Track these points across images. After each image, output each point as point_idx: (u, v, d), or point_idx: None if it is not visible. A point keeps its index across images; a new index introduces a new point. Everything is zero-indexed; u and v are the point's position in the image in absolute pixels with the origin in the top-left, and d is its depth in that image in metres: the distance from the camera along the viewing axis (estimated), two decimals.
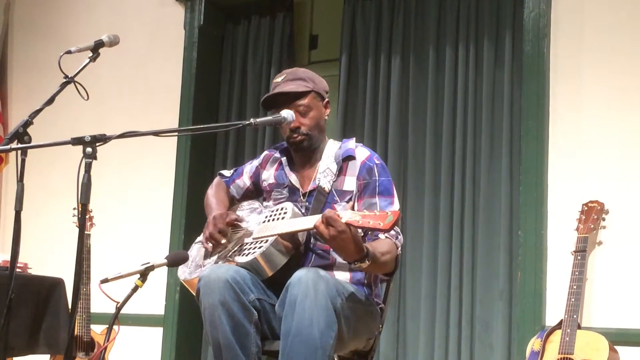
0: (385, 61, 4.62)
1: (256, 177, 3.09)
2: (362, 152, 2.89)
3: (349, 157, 2.88)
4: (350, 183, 2.84)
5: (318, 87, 2.93)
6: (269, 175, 3.03)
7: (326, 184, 2.84)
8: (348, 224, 2.45)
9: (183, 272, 2.94)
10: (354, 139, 2.99)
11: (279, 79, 2.92)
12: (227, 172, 3.21)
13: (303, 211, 2.82)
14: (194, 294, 2.73)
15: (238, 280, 2.61)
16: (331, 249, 2.74)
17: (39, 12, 5.89)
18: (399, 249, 2.79)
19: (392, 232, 2.75)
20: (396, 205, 2.81)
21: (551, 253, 3.81)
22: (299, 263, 2.78)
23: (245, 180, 3.12)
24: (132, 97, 5.34)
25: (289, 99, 2.85)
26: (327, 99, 2.97)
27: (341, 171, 2.87)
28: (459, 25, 4.44)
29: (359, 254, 2.52)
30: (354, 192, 2.82)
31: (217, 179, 3.21)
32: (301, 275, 2.53)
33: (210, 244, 2.87)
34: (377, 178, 2.82)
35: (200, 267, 2.87)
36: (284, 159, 3.00)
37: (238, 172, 3.16)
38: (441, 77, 4.46)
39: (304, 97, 2.87)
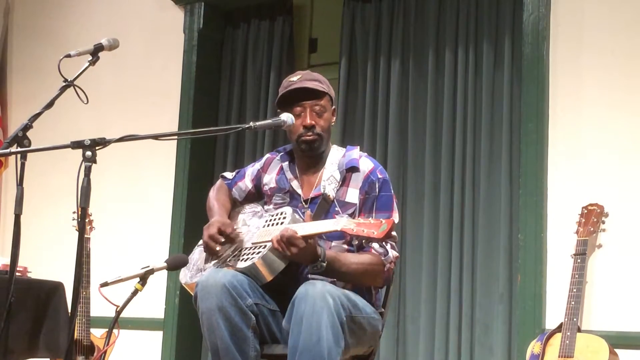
0: (384, 64, 4.62)
1: (257, 180, 3.07)
2: (366, 164, 2.88)
3: (352, 168, 2.87)
4: (353, 195, 2.84)
5: (331, 92, 2.94)
6: (270, 179, 3.02)
7: (331, 192, 2.83)
8: (342, 231, 2.53)
9: (184, 275, 2.94)
10: (358, 147, 2.99)
11: (294, 78, 2.89)
12: (229, 174, 3.18)
13: (304, 218, 2.81)
14: (193, 300, 2.72)
15: (235, 284, 2.61)
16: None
17: (39, 16, 5.89)
18: (387, 265, 2.79)
19: (380, 249, 2.78)
20: (394, 219, 2.82)
21: (551, 256, 3.81)
22: (299, 268, 2.78)
23: (247, 183, 3.10)
24: (131, 101, 5.34)
25: (307, 97, 2.84)
26: (334, 107, 2.97)
27: (344, 181, 2.86)
28: (459, 28, 4.44)
29: (314, 258, 2.65)
30: (357, 206, 2.82)
31: (219, 182, 3.19)
32: (307, 290, 2.54)
33: (208, 251, 2.87)
34: (377, 193, 2.82)
35: (201, 271, 2.87)
36: (285, 164, 2.99)
37: (240, 175, 3.14)
38: (441, 80, 4.46)
39: (321, 97, 2.87)
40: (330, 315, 2.50)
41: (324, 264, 2.65)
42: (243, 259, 2.73)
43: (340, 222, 2.54)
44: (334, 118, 2.97)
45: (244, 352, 2.60)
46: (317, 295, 2.51)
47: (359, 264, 2.75)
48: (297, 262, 2.69)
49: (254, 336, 2.64)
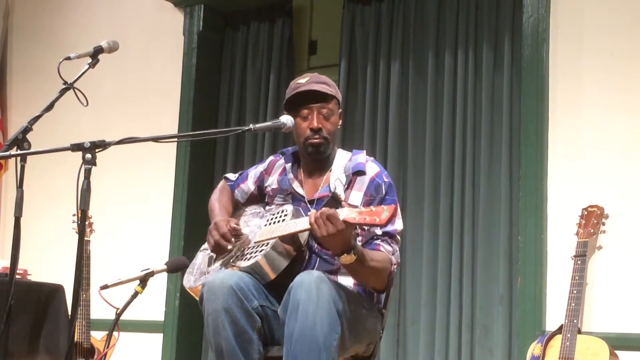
0: (384, 66, 4.62)
1: (260, 182, 3.07)
2: (372, 168, 2.88)
3: (359, 172, 2.87)
4: (356, 198, 2.83)
5: (339, 96, 2.93)
6: (272, 181, 3.02)
7: (341, 192, 2.83)
8: (345, 222, 2.49)
9: (188, 280, 2.94)
10: (364, 152, 2.98)
11: (302, 80, 2.89)
12: (232, 176, 3.18)
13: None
14: (199, 301, 2.72)
15: (242, 286, 2.60)
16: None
17: (39, 18, 5.90)
18: (393, 266, 2.78)
19: (389, 247, 2.77)
20: (397, 225, 2.82)
21: (551, 258, 3.81)
22: (302, 267, 2.77)
23: (249, 185, 3.10)
24: (131, 103, 5.34)
25: (315, 99, 2.84)
26: (341, 110, 2.97)
27: (349, 184, 2.86)
28: (458, 30, 4.44)
29: (347, 247, 2.56)
30: (359, 208, 2.81)
31: (221, 183, 3.19)
32: (303, 278, 2.54)
33: (217, 251, 2.86)
34: (383, 196, 2.82)
35: (205, 274, 2.87)
36: (288, 165, 2.99)
37: (243, 177, 3.14)
38: (440, 82, 4.46)
39: (329, 100, 2.87)
40: (326, 301, 2.49)
41: (355, 257, 2.59)
42: (246, 258, 2.73)
43: (342, 213, 2.51)
44: (340, 121, 2.97)
45: (249, 354, 2.60)
46: (313, 282, 2.51)
47: (378, 261, 2.71)
48: (328, 246, 2.64)
49: (259, 338, 2.64)
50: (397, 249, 2.82)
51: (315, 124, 2.83)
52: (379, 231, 2.77)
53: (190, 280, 2.92)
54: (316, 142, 2.85)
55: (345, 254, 2.57)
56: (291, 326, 2.51)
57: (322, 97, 2.85)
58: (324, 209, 2.55)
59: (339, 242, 2.54)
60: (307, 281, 2.52)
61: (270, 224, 2.80)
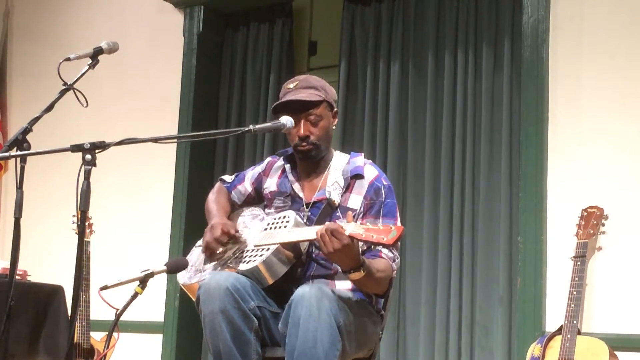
0: (384, 67, 4.62)
1: (258, 183, 3.06)
2: (370, 171, 2.87)
3: (357, 175, 2.85)
4: (355, 201, 2.82)
5: (329, 97, 2.90)
6: (271, 183, 3.01)
7: (336, 198, 2.82)
8: (351, 237, 2.47)
9: (182, 276, 2.93)
10: (362, 154, 2.97)
11: (290, 85, 2.88)
12: (228, 178, 3.18)
13: (305, 221, 2.81)
14: (193, 299, 2.72)
15: (238, 287, 2.60)
16: None
17: (39, 19, 5.90)
18: (394, 271, 2.78)
19: (390, 254, 2.76)
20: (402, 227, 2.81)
21: (551, 259, 3.81)
22: (301, 272, 2.77)
23: (246, 186, 3.09)
24: (131, 104, 5.34)
25: (301, 107, 2.82)
26: (335, 109, 2.94)
27: (348, 188, 2.85)
28: (458, 31, 4.44)
29: (355, 264, 2.55)
30: (358, 211, 2.80)
31: (218, 184, 3.18)
32: (304, 292, 2.52)
33: (207, 254, 2.87)
34: (383, 199, 2.81)
35: (200, 271, 2.86)
36: (287, 167, 2.97)
37: (239, 178, 3.14)
38: (440, 83, 4.46)
39: (316, 106, 2.84)
40: (327, 317, 2.48)
41: (364, 273, 2.57)
42: (245, 261, 2.72)
43: (348, 227, 2.50)
44: (335, 121, 2.95)
45: (246, 355, 2.60)
46: (314, 298, 2.50)
47: (382, 271, 2.70)
48: (336, 262, 2.62)
49: (256, 339, 2.63)
50: (398, 254, 2.81)
51: (302, 132, 2.82)
52: None
53: (185, 276, 2.91)
54: (304, 149, 2.85)
55: (354, 272, 2.56)
56: (292, 343, 2.50)
57: (308, 104, 2.83)
58: (328, 223, 2.54)
59: (345, 257, 2.52)
60: (307, 296, 2.50)
61: (270, 228, 2.80)
